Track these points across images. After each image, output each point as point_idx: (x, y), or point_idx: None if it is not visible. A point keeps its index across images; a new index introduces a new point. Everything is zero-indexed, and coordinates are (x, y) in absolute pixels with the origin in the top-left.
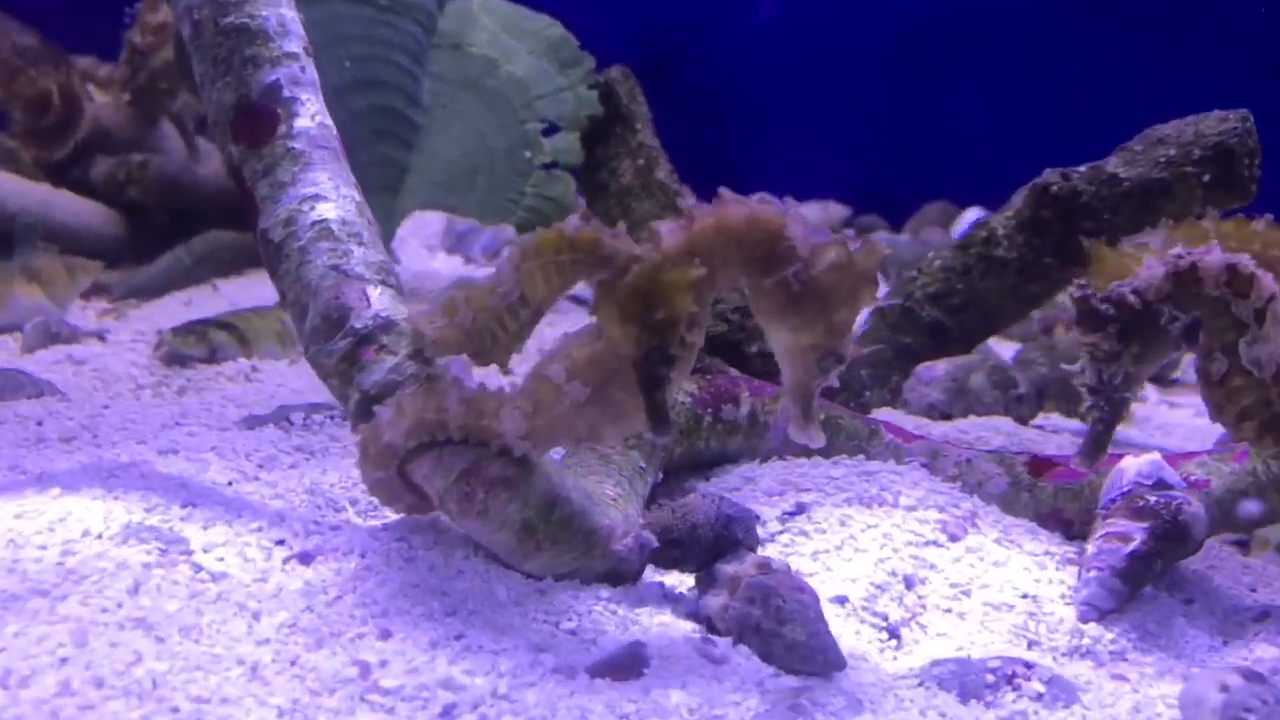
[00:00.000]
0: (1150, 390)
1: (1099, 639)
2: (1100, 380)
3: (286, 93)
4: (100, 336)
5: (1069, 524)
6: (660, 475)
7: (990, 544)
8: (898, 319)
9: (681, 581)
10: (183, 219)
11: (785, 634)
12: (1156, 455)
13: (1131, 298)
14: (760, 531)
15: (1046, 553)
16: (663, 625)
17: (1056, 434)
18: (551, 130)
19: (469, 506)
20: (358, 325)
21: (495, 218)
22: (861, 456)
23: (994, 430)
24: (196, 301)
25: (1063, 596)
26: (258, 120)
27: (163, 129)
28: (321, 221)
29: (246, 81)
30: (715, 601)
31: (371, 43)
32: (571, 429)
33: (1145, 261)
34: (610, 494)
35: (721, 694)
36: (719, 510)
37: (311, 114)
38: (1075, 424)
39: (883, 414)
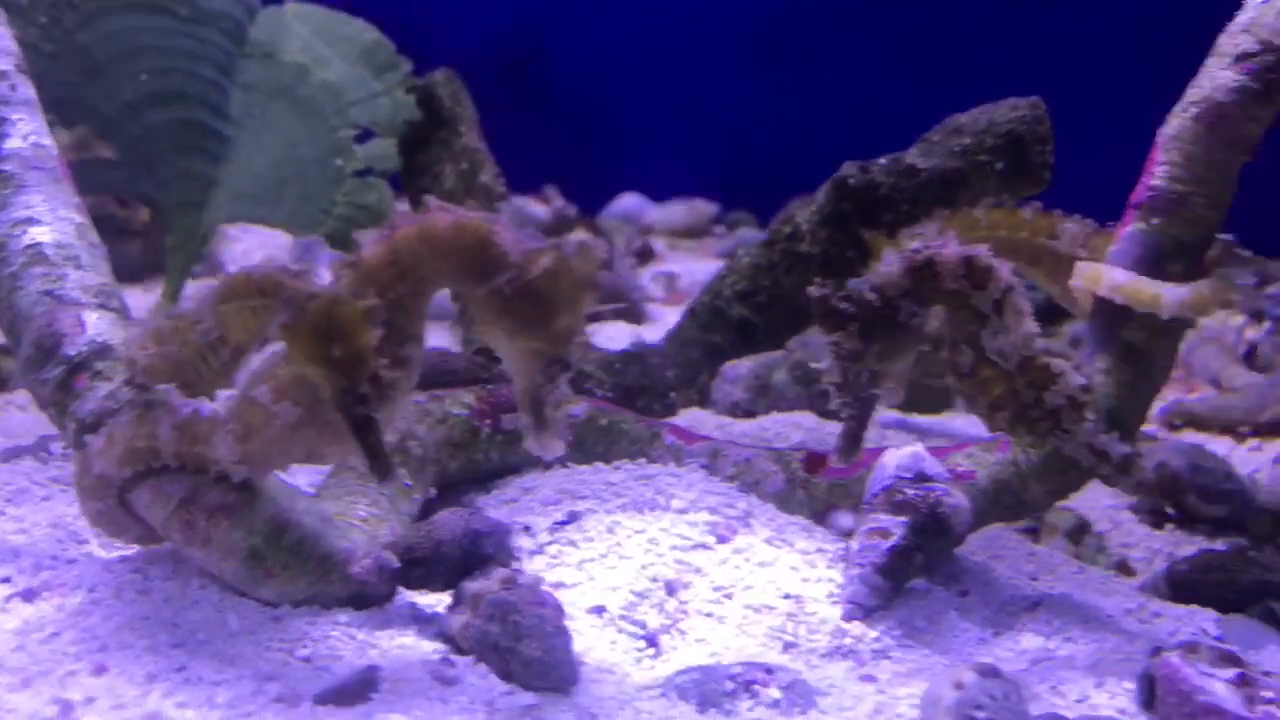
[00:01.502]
0: None
1: (861, 638)
2: (846, 378)
3: None
4: None
5: None
6: (434, 491)
7: (760, 544)
8: (708, 318)
9: (439, 601)
10: None
11: (521, 650)
12: (918, 447)
13: (870, 294)
14: (531, 543)
15: (819, 550)
16: (402, 648)
17: None
18: (366, 137)
19: (191, 535)
20: (70, 352)
21: (306, 229)
22: (643, 460)
23: (794, 426)
24: None
25: (829, 596)
26: None
27: None
28: (35, 246)
29: None
30: (458, 620)
31: (172, 55)
32: (288, 451)
33: (883, 257)
34: (362, 514)
35: (446, 715)
36: (467, 526)
37: (24, 134)
38: (884, 414)
39: (689, 414)
